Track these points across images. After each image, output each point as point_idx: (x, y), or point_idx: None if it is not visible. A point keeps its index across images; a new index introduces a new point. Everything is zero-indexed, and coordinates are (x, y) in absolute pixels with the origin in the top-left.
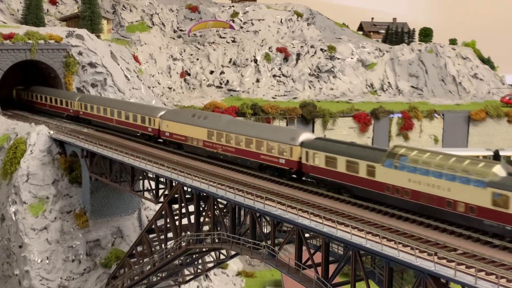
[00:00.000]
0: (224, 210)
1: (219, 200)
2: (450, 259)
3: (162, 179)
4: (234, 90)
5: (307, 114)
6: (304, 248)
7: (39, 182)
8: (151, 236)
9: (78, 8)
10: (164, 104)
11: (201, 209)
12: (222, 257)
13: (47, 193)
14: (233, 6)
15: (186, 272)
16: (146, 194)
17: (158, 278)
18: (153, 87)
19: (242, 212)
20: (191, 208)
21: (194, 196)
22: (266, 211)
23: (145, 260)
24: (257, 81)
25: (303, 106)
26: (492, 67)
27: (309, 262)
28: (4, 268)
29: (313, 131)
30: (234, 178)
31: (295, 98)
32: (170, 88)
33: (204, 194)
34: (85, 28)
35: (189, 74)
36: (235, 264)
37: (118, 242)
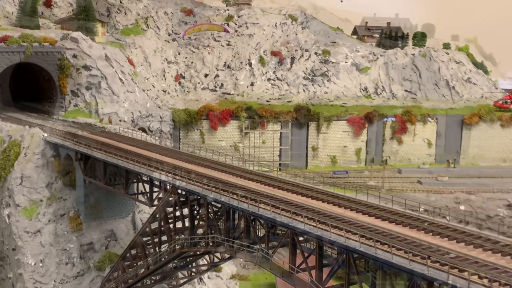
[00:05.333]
0: (218, 213)
1: (213, 203)
2: (443, 262)
3: (156, 182)
4: (229, 94)
5: (302, 118)
6: (298, 251)
7: (33, 185)
8: (145, 239)
9: (73, 11)
10: (159, 107)
11: (195, 212)
12: (216, 260)
13: (41, 196)
14: (227, 10)
15: (180, 275)
16: (140, 197)
17: (152, 281)
18: (147, 90)
19: (236, 215)
20: (186, 211)
21: (188, 199)
22: (260, 214)
23: (139, 263)
24: (252, 84)
25: (298, 110)
26: (485, 72)
27: (303, 266)
28: None
29: (307, 135)
30: (228, 181)
31: (289, 101)
32: (164, 91)
33: (199, 197)
34: (79, 31)
35: (183, 77)
36: (229, 267)
37: (112, 245)
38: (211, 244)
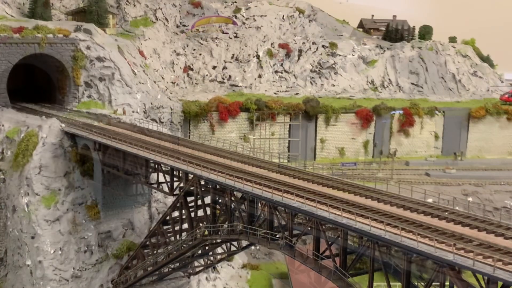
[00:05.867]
0: (240, 202)
1: (235, 192)
2: (468, 249)
3: (176, 172)
4: (237, 86)
5: (311, 110)
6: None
7: (51, 174)
8: (164, 227)
9: (82, 2)
10: (169, 98)
11: (217, 200)
12: (233, 248)
13: (59, 185)
14: (235, 2)
15: (196, 263)
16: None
17: (170, 269)
18: (158, 82)
19: (259, 205)
20: (207, 200)
21: (211, 189)
22: (285, 203)
23: (159, 251)
24: (259, 76)
25: (307, 102)
26: (492, 65)
27: (327, 253)
28: (14, 259)
29: (315, 127)
30: (250, 172)
31: (296, 94)
32: (173, 83)
33: (221, 187)
34: (91, 23)
35: (192, 69)
36: (240, 257)
37: (129, 234)
38: (233, 232)
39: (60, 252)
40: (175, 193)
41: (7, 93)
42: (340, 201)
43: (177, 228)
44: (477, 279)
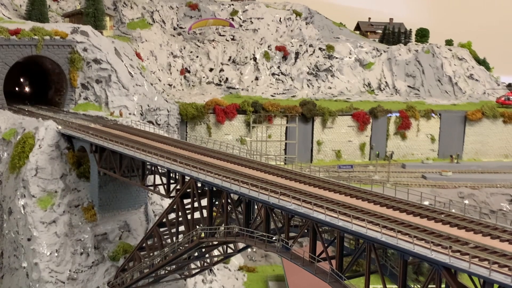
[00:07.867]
0: (237, 204)
1: (232, 194)
2: (464, 252)
3: (173, 174)
4: (233, 88)
5: (307, 112)
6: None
7: (47, 176)
8: (161, 229)
9: (79, 4)
10: (166, 100)
11: (213, 202)
12: (229, 251)
13: (55, 187)
14: (232, 5)
15: (193, 265)
16: (158, 189)
17: (166, 271)
18: (155, 84)
19: (256, 207)
20: (203, 202)
21: (207, 191)
22: (281, 206)
23: (155, 253)
24: (256, 79)
25: (303, 104)
26: (488, 68)
27: (323, 255)
28: (10, 261)
29: (312, 129)
30: (247, 174)
31: (293, 96)
32: (170, 85)
33: (217, 189)
34: (88, 25)
35: (189, 71)
36: (236, 259)
37: (125, 236)
38: (230, 234)
39: (56, 254)
40: (171, 195)
41: (4, 95)
42: (336, 203)
43: (173, 230)
44: (473, 282)
